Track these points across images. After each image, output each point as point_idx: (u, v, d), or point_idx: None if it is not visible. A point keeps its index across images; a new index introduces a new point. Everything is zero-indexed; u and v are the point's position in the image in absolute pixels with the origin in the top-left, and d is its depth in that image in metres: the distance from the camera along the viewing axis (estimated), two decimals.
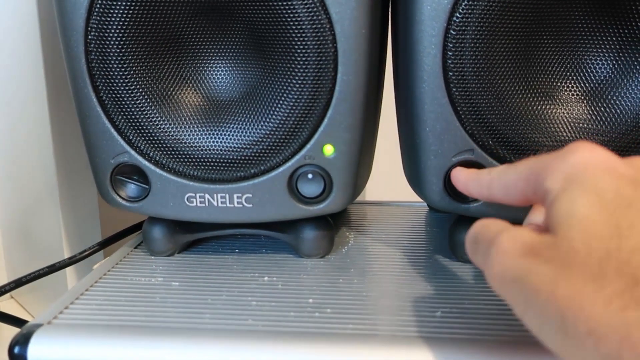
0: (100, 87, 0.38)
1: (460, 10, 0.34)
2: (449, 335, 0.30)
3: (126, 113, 0.38)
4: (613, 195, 0.22)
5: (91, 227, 0.56)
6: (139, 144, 0.39)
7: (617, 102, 0.36)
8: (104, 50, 0.37)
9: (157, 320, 0.33)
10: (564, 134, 0.36)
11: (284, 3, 0.35)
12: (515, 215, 0.37)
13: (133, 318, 0.33)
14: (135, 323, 0.33)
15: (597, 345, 0.20)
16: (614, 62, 0.36)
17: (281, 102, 0.37)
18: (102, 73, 0.37)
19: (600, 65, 0.36)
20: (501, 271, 0.24)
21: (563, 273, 0.21)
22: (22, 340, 0.31)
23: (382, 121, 0.47)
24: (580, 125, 0.36)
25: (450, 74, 0.35)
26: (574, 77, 0.37)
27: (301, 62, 0.36)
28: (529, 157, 0.27)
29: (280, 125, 0.37)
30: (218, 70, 0.39)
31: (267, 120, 0.38)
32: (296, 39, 0.35)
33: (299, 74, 0.36)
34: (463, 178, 0.34)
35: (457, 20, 0.34)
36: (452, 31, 0.34)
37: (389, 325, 0.32)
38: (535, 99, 0.36)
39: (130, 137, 0.39)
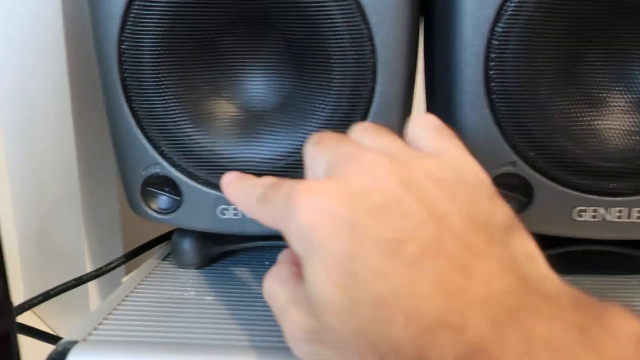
0: (132, 98, 0.37)
1: (504, 20, 0.33)
2: None
3: (159, 124, 0.38)
4: (344, 259, 0.22)
5: (114, 237, 0.55)
6: (171, 156, 0.38)
7: None
8: (137, 60, 0.36)
9: (194, 337, 0.32)
10: (609, 148, 0.35)
11: (322, 13, 0.34)
12: None
13: (169, 334, 0.33)
14: (172, 340, 0.32)
15: None
16: None
17: (317, 113, 0.36)
18: (135, 83, 0.37)
19: None
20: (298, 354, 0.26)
21: (339, 354, 0.23)
22: (59, 358, 0.30)
23: None
24: (627, 138, 0.35)
25: (493, 84, 0.34)
26: (621, 89, 0.36)
27: (339, 73, 0.35)
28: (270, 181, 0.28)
29: None
30: (253, 81, 0.39)
31: (303, 131, 0.37)
32: (334, 49, 0.35)
33: (336, 85, 0.36)
34: (232, 188, 0.33)
35: (500, 31, 0.33)
36: (494, 41, 0.34)
37: None
38: (579, 111, 0.36)
39: (163, 149, 0.38)
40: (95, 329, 0.33)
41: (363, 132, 0.28)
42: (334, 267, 0.22)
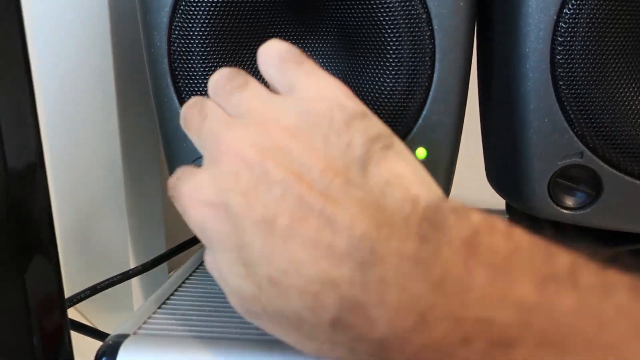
0: (182, 88, 0.37)
1: (573, 2, 0.31)
2: None
3: None
4: (235, 253, 0.24)
5: (157, 233, 0.55)
6: None
7: None
8: (187, 50, 0.36)
9: (243, 332, 0.31)
10: None
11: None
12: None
13: (217, 329, 0.32)
14: (220, 335, 0.31)
15: None
16: None
17: (371, 102, 0.35)
18: (185, 73, 0.36)
19: None
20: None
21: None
22: (110, 351, 0.30)
23: None
24: None
25: (560, 70, 0.33)
26: None
27: (394, 60, 0.34)
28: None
29: None
30: None
31: None
32: (390, 34, 0.33)
33: (392, 73, 0.34)
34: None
35: (569, 13, 0.32)
36: (562, 24, 0.32)
37: None
38: None
39: None
40: (145, 322, 0.33)
41: (224, 93, 0.28)
42: (231, 260, 0.24)
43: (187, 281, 0.38)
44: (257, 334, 0.31)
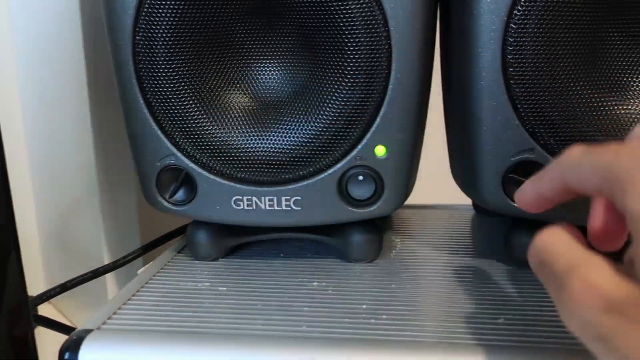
0: (147, 89, 0.37)
1: (522, 3, 0.32)
2: (516, 344, 0.29)
3: (173, 115, 0.37)
4: None
5: (131, 231, 0.56)
6: (186, 147, 0.38)
7: None
8: (151, 51, 0.36)
9: (208, 326, 0.32)
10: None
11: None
12: (583, 217, 0.35)
13: (183, 324, 0.33)
14: (185, 329, 0.32)
15: None
16: None
17: (331, 101, 0.36)
18: (150, 74, 0.37)
19: None
20: (581, 325, 0.21)
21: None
22: (73, 346, 0.30)
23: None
24: None
25: (511, 69, 0.34)
26: None
27: (352, 60, 0.35)
28: (602, 146, 0.23)
29: (330, 126, 0.36)
30: (266, 70, 0.38)
31: (317, 120, 0.37)
32: (347, 34, 0.34)
33: (350, 72, 0.35)
34: (528, 189, 0.28)
35: (519, 13, 0.33)
36: (512, 25, 0.33)
37: (450, 333, 0.30)
38: (601, 96, 0.35)
39: (177, 140, 0.38)
40: (109, 318, 0.33)
41: None
42: None
43: (154, 278, 0.39)
44: (219, 328, 0.32)
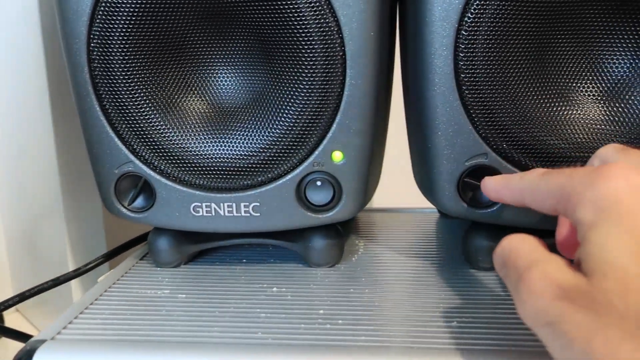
0: (103, 96, 0.37)
1: (472, 11, 0.33)
2: (466, 347, 0.29)
3: (130, 122, 0.37)
4: None
5: (96, 238, 0.55)
6: (144, 153, 0.38)
7: (635, 102, 0.35)
8: (107, 57, 0.36)
9: (164, 335, 0.32)
10: (581, 136, 0.35)
11: (290, 6, 0.34)
12: (535, 221, 0.36)
13: (139, 332, 0.32)
14: (141, 337, 0.32)
15: None
16: (631, 60, 0.35)
17: (288, 108, 0.36)
18: (105, 81, 0.37)
19: (616, 65, 0.35)
20: (534, 313, 0.23)
21: (599, 324, 0.21)
22: (25, 357, 0.30)
23: (391, 125, 0.46)
24: (597, 127, 0.35)
25: (462, 76, 0.34)
26: (590, 77, 0.36)
27: (308, 67, 0.35)
28: (559, 169, 0.27)
29: (288, 132, 0.36)
30: (223, 77, 0.38)
31: (274, 126, 0.37)
32: (303, 42, 0.35)
33: (307, 79, 0.35)
34: (493, 184, 0.32)
35: (469, 21, 0.33)
36: (463, 32, 0.33)
37: (403, 337, 0.31)
38: (550, 101, 0.35)
39: (135, 147, 0.38)
40: (65, 327, 0.33)
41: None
42: (633, 238, 0.22)
43: (113, 286, 0.39)
44: (175, 336, 0.32)
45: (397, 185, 0.58)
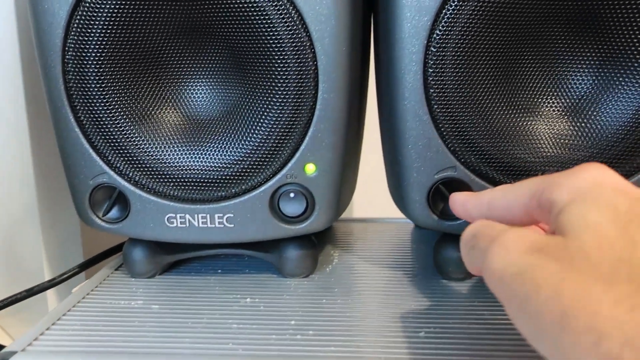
0: (78, 107, 0.37)
1: (440, 28, 0.34)
2: (433, 357, 0.30)
3: (105, 133, 0.38)
4: (625, 210, 0.22)
5: (73, 248, 0.55)
6: (118, 165, 0.38)
7: (598, 117, 0.36)
8: (82, 69, 0.36)
9: (135, 346, 0.32)
10: (547, 150, 0.36)
11: (264, 22, 0.34)
12: None
13: (110, 343, 0.33)
14: (112, 349, 0.32)
15: (597, 343, 0.19)
16: (594, 78, 0.36)
17: (262, 120, 0.37)
18: (80, 93, 0.37)
19: (580, 81, 0.36)
20: (502, 266, 0.23)
21: (570, 271, 0.21)
22: None
23: (371, 136, 0.47)
24: (564, 140, 0.36)
25: (432, 90, 0.35)
26: (555, 93, 0.37)
27: (282, 81, 0.36)
28: (533, 177, 0.27)
29: (262, 144, 0.37)
30: (198, 89, 0.39)
31: (248, 139, 0.37)
32: (276, 57, 0.35)
33: (280, 93, 0.36)
34: (461, 199, 0.33)
35: (437, 38, 0.34)
36: (432, 48, 0.34)
37: (372, 347, 0.31)
38: (517, 115, 0.36)
39: (109, 158, 0.38)
40: (36, 339, 0.33)
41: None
42: (613, 211, 0.22)
43: (87, 296, 0.39)
44: (146, 347, 0.32)
45: (380, 194, 0.59)
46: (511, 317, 0.23)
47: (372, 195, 0.65)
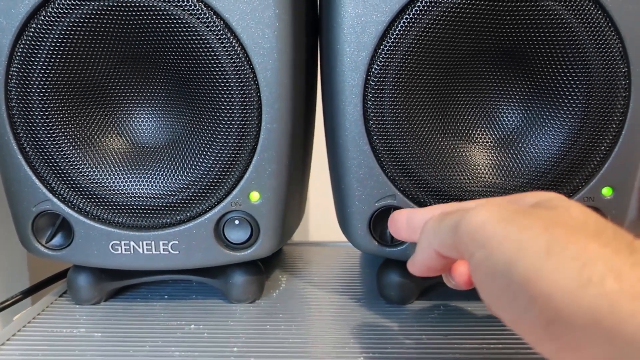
0: (21, 135, 0.37)
1: (378, 63, 0.35)
2: None
3: (48, 160, 0.38)
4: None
5: (18, 273, 0.54)
6: (62, 191, 0.38)
7: (529, 148, 0.38)
8: (25, 97, 0.36)
9: None
10: (484, 177, 0.37)
11: (208, 54, 0.35)
12: None
13: None
14: None
15: (582, 268, 0.20)
16: (523, 113, 0.38)
17: (207, 150, 0.37)
18: (23, 120, 0.37)
19: (510, 116, 0.38)
20: (486, 216, 0.24)
21: (558, 223, 0.22)
22: None
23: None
24: (499, 168, 0.38)
25: (371, 122, 0.36)
26: (488, 125, 0.38)
27: (226, 111, 0.36)
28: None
29: (207, 173, 0.38)
30: (143, 117, 0.39)
31: (193, 167, 0.38)
32: (221, 88, 0.36)
33: (224, 122, 0.37)
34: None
35: (375, 72, 0.35)
36: (371, 82, 0.36)
37: None
38: (453, 145, 0.38)
39: (53, 185, 0.38)
40: None
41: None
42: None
43: (28, 324, 0.39)
44: None
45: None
46: (477, 264, 0.23)
47: (327, 218, 0.66)
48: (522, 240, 0.22)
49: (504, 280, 0.22)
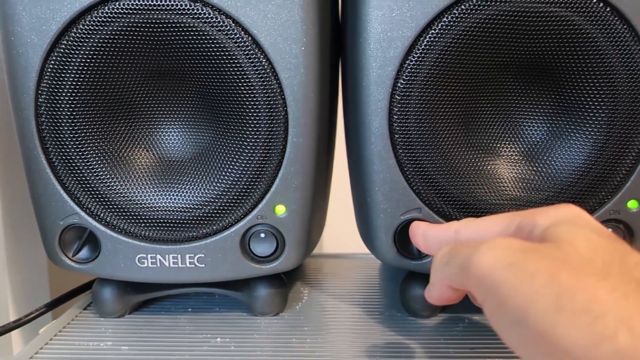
0: (50, 149, 0.38)
1: (404, 77, 0.36)
2: None
3: (76, 174, 0.38)
4: (608, 234, 0.24)
5: (40, 286, 0.54)
6: (89, 205, 0.39)
7: (554, 162, 0.38)
8: (54, 112, 0.37)
9: None
10: (509, 191, 0.37)
11: (236, 69, 0.36)
12: None
13: None
14: None
15: (593, 322, 0.20)
16: (548, 126, 0.38)
17: (233, 163, 0.38)
18: (53, 135, 0.37)
19: (535, 129, 0.38)
20: (493, 260, 0.24)
21: (565, 265, 0.22)
22: None
23: (343, 173, 0.48)
24: (524, 182, 0.38)
25: (396, 136, 0.37)
26: (513, 139, 0.39)
27: (253, 126, 0.37)
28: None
29: (232, 186, 0.38)
30: (170, 132, 0.40)
31: (219, 181, 0.38)
32: (248, 103, 0.36)
33: (251, 137, 0.37)
34: (421, 231, 0.34)
35: (401, 86, 0.36)
36: (397, 96, 0.36)
37: None
38: (478, 158, 0.38)
39: (80, 199, 0.39)
40: None
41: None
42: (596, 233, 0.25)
43: (55, 338, 0.39)
44: None
45: (349, 230, 0.60)
46: (492, 312, 0.24)
47: (341, 231, 0.66)
48: (531, 291, 0.22)
49: (520, 330, 0.23)
